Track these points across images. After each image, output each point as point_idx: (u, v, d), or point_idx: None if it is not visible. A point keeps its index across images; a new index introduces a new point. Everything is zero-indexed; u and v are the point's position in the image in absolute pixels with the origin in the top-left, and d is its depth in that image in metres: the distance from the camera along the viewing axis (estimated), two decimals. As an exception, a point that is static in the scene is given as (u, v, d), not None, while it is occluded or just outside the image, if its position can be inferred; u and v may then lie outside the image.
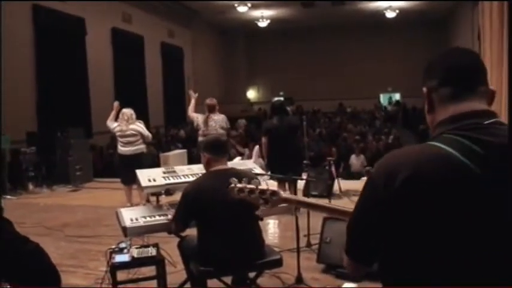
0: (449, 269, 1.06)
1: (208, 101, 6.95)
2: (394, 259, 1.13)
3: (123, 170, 6.71)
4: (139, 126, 6.84)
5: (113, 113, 6.96)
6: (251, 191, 1.78)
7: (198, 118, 6.89)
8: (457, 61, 1.23)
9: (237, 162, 3.66)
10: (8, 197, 8.02)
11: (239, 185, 1.82)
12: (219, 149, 3.14)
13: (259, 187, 1.77)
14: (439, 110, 1.22)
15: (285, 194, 1.80)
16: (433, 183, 1.07)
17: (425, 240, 1.07)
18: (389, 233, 1.11)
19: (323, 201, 5.22)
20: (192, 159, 9.24)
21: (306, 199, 1.83)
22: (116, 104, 7.07)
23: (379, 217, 1.13)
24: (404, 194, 1.08)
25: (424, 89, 1.26)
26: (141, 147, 6.85)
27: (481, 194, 1.06)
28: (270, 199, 1.75)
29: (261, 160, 7.39)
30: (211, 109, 6.85)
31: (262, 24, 20.36)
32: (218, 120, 6.82)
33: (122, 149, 6.81)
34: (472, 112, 1.17)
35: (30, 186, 9.03)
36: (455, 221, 1.06)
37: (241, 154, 10.26)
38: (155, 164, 8.36)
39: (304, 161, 5.31)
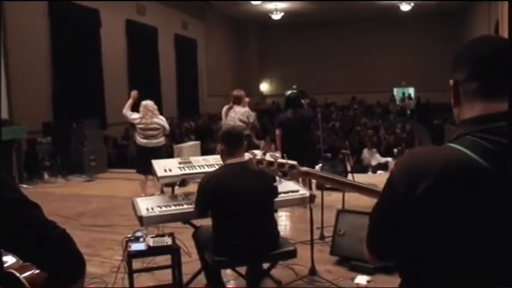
0: (474, 276, 1.02)
1: (235, 92, 6.82)
2: (413, 261, 1.10)
3: (142, 161, 6.71)
4: (162, 120, 6.87)
5: (130, 102, 6.94)
6: (270, 163, 1.74)
7: (222, 111, 6.84)
8: (489, 52, 1.10)
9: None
10: (25, 186, 8.13)
11: (258, 157, 1.77)
12: (232, 141, 3.12)
13: (278, 160, 1.73)
14: (465, 106, 1.12)
15: (304, 167, 1.75)
16: (456, 194, 1.00)
17: (444, 249, 1.03)
18: (407, 237, 1.08)
19: (338, 194, 5.15)
20: (205, 151, 9.29)
21: (326, 173, 1.77)
22: (134, 93, 7.04)
23: (396, 219, 1.09)
24: (425, 203, 1.02)
25: (451, 81, 1.15)
26: (161, 140, 6.89)
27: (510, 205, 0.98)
28: (289, 172, 1.71)
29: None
30: (236, 100, 6.71)
31: (276, 16, 20.27)
32: (239, 112, 6.64)
33: (142, 141, 6.79)
34: (501, 114, 1.04)
35: (46, 176, 9.16)
36: (479, 231, 1.01)
37: (257, 147, 10.23)
38: (169, 155, 8.42)
39: (324, 154, 5.29)
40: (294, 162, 1.72)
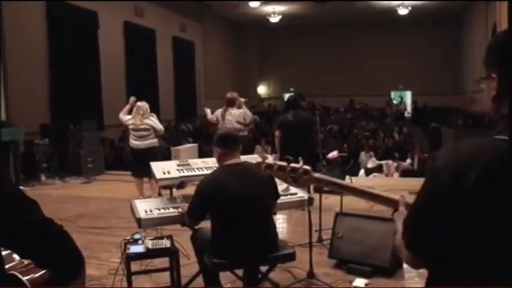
0: None
1: (229, 94, 6.89)
2: (458, 255, 1.07)
3: (135, 163, 6.76)
4: (153, 121, 6.87)
5: (127, 107, 7.00)
6: (281, 168, 1.64)
7: (217, 112, 6.87)
8: None
9: (252, 157, 3.67)
10: (21, 187, 8.08)
11: (268, 161, 1.68)
12: (229, 143, 3.12)
13: (292, 164, 1.63)
14: (508, 100, 1.09)
15: (317, 173, 1.66)
16: (506, 180, 0.99)
17: (499, 235, 1.01)
18: (455, 229, 1.05)
19: (336, 197, 5.12)
20: (202, 154, 9.29)
21: (338, 180, 1.68)
22: (133, 99, 7.04)
23: (443, 212, 1.06)
24: (477, 191, 1.01)
25: (494, 75, 1.12)
26: (153, 141, 6.88)
27: None
28: (300, 178, 1.62)
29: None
30: (230, 103, 6.77)
31: (274, 19, 20.31)
32: (235, 114, 6.74)
33: (134, 142, 6.85)
34: None
35: (43, 178, 9.12)
36: None
37: (252, 150, 10.23)
38: (166, 157, 8.41)
39: (322, 157, 5.30)
40: (308, 168, 1.64)
